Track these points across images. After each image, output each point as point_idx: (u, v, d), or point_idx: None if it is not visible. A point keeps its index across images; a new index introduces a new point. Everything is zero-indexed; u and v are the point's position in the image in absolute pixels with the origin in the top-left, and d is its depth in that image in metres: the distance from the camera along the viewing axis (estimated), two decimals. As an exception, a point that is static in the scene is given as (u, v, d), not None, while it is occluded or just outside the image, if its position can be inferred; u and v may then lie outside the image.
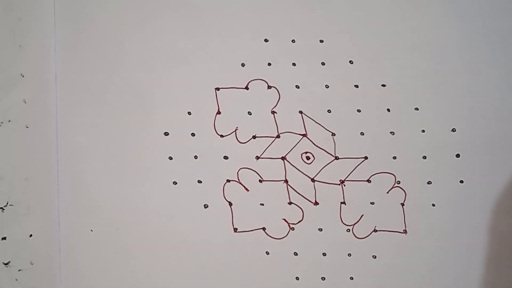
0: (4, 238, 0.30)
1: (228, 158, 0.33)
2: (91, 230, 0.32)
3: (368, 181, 0.32)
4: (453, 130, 0.32)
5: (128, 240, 0.32)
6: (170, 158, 0.33)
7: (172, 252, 0.32)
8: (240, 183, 0.32)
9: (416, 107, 0.32)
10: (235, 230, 0.32)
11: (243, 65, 0.32)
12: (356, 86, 0.32)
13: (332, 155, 0.32)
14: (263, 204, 0.32)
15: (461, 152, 0.32)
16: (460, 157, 0.32)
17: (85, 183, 0.32)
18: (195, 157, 0.33)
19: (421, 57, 0.32)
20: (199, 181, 0.32)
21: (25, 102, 0.32)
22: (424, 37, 0.32)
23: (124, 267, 0.32)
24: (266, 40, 0.32)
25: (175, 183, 0.32)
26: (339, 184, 0.32)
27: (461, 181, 0.32)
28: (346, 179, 0.32)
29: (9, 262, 0.30)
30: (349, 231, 0.32)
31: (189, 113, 0.33)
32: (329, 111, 0.32)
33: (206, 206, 0.32)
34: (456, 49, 0.32)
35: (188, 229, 0.32)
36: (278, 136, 0.33)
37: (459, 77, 0.32)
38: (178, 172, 0.32)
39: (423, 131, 0.32)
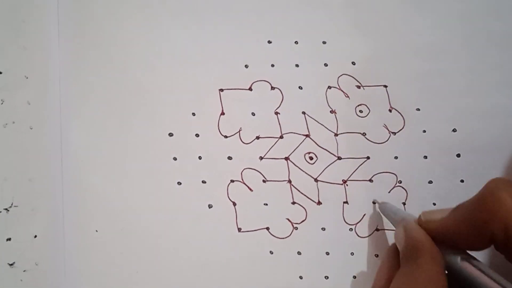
0: (9, 239, 0.30)
1: (232, 158, 0.33)
2: (96, 231, 0.32)
3: (370, 180, 0.33)
4: (454, 130, 0.32)
5: (132, 240, 0.32)
6: (175, 158, 0.33)
7: (176, 251, 0.32)
8: (244, 183, 0.33)
9: (417, 107, 0.32)
10: (239, 230, 0.32)
11: (246, 66, 0.33)
12: (358, 87, 0.32)
13: (335, 155, 0.33)
14: (266, 204, 0.33)
15: (462, 152, 0.32)
16: (461, 157, 0.32)
17: (89, 184, 0.32)
18: (199, 157, 0.33)
19: (423, 58, 0.32)
20: (203, 182, 0.33)
21: (29, 104, 0.32)
22: (426, 38, 0.32)
23: (129, 267, 0.32)
24: (269, 42, 0.33)
25: (179, 183, 0.33)
26: (341, 184, 0.33)
27: (462, 181, 0.32)
28: (349, 179, 0.33)
29: (14, 262, 0.30)
30: (352, 230, 0.32)
31: (193, 114, 0.33)
32: (331, 111, 0.33)
33: (210, 206, 0.33)
34: (457, 50, 0.32)
35: (193, 229, 0.32)
36: (281, 137, 0.33)
37: (460, 78, 0.32)
38: (183, 172, 0.32)
39: (424, 131, 0.32)
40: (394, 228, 0.31)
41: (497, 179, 0.23)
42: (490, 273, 0.23)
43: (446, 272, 0.24)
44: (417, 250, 0.24)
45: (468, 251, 0.25)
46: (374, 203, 0.32)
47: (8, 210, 0.30)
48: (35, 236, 0.31)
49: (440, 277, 0.23)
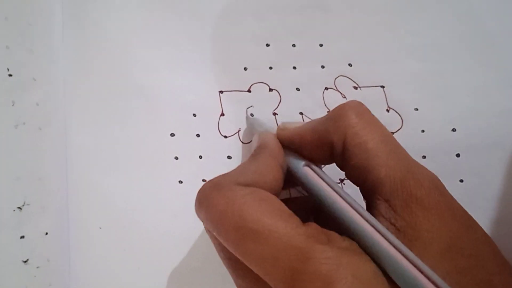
0: (22, 237, 0.32)
1: (231, 158, 0.34)
2: (100, 228, 0.33)
3: (368, 180, 0.33)
4: (453, 130, 0.32)
5: (135, 237, 0.33)
6: (176, 158, 0.34)
7: (177, 248, 0.33)
8: (243, 182, 0.34)
9: (415, 107, 0.32)
10: (239, 227, 0.34)
11: (245, 69, 0.33)
12: (355, 88, 0.33)
13: (333, 155, 0.33)
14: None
15: (461, 152, 0.32)
16: (460, 157, 0.32)
17: (93, 182, 0.34)
18: (200, 157, 0.34)
19: (420, 58, 0.32)
20: (204, 180, 0.34)
21: (37, 105, 0.33)
22: (423, 38, 0.32)
23: (131, 263, 0.33)
24: (267, 45, 0.33)
25: (180, 182, 0.34)
26: (339, 183, 0.33)
27: (461, 181, 0.32)
28: (346, 178, 0.33)
29: (27, 260, 0.32)
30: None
31: (194, 115, 0.34)
32: (328, 112, 0.33)
33: (210, 204, 0.34)
34: (455, 50, 0.32)
35: (193, 226, 0.33)
36: (279, 137, 0.33)
37: (458, 77, 0.32)
38: (184, 171, 0.34)
39: (423, 131, 0.32)
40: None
41: (352, 100, 0.25)
42: (327, 179, 0.24)
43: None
44: (260, 148, 0.26)
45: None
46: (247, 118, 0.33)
47: (21, 209, 0.32)
48: (46, 233, 0.33)
49: (272, 170, 0.24)
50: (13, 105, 0.33)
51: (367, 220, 0.22)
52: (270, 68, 0.33)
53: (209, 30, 0.33)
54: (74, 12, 0.34)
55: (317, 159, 0.26)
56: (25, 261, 0.32)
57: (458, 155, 0.32)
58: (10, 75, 0.33)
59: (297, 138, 0.26)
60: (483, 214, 0.32)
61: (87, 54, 0.34)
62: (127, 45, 0.34)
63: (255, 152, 0.26)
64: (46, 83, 0.34)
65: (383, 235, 0.21)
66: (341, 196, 0.23)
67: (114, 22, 0.34)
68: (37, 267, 0.32)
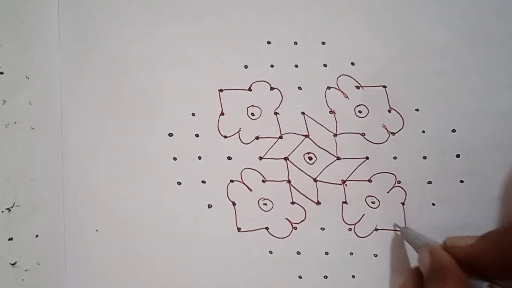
0: (11, 239, 0.31)
1: (231, 158, 0.33)
2: (96, 230, 0.32)
3: (369, 181, 0.33)
4: (453, 130, 0.32)
5: (133, 240, 0.32)
6: (174, 158, 0.33)
7: (176, 251, 0.32)
8: (244, 183, 0.33)
9: (416, 108, 0.32)
10: (239, 229, 0.33)
11: (246, 67, 0.33)
12: (357, 88, 0.32)
13: (334, 156, 0.33)
14: (266, 204, 0.33)
15: (461, 153, 0.32)
16: (460, 157, 0.32)
17: (90, 184, 0.33)
18: (199, 157, 0.33)
19: (422, 58, 0.32)
20: (203, 182, 0.33)
21: (30, 104, 0.32)
22: (425, 38, 0.32)
23: (129, 267, 0.32)
24: (268, 42, 0.33)
25: (179, 183, 0.33)
26: (340, 184, 0.33)
27: (461, 181, 0.32)
28: (348, 179, 0.33)
29: (15, 262, 0.31)
30: (351, 230, 0.33)
31: (193, 114, 0.33)
32: (331, 112, 0.33)
33: (210, 206, 0.33)
34: (457, 50, 0.32)
35: (192, 229, 0.32)
36: (280, 137, 0.33)
37: (459, 78, 0.32)
38: (182, 172, 0.33)
39: (424, 131, 0.32)
40: (393, 229, 0.32)
41: None
42: None
43: None
44: (444, 272, 0.24)
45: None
46: (395, 229, 0.32)
47: (10, 210, 0.31)
48: (37, 236, 0.31)
49: None
50: (3, 104, 0.32)
51: None
52: (271, 66, 0.33)
53: (209, 26, 0.33)
54: (71, 9, 0.33)
55: (499, 276, 0.24)
56: (13, 264, 0.31)
57: (458, 156, 0.32)
58: (1, 73, 0.32)
59: (477, 259, 0.24)
60: (483, 214, 0.32)
61: (84, 52, 0.33)
62: (125, 42, 0.33)
63: (439, 277, 0.25)
64: (40, 82, 0.33)
65: None
66: None
67: (111, 19, 0.33)
68: (26, 270, 0.31)
